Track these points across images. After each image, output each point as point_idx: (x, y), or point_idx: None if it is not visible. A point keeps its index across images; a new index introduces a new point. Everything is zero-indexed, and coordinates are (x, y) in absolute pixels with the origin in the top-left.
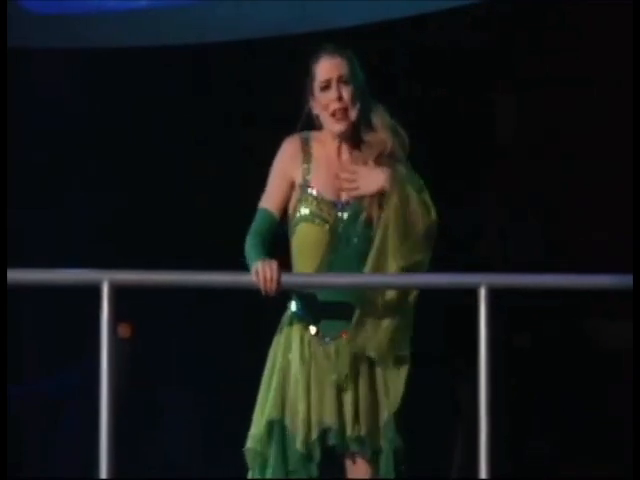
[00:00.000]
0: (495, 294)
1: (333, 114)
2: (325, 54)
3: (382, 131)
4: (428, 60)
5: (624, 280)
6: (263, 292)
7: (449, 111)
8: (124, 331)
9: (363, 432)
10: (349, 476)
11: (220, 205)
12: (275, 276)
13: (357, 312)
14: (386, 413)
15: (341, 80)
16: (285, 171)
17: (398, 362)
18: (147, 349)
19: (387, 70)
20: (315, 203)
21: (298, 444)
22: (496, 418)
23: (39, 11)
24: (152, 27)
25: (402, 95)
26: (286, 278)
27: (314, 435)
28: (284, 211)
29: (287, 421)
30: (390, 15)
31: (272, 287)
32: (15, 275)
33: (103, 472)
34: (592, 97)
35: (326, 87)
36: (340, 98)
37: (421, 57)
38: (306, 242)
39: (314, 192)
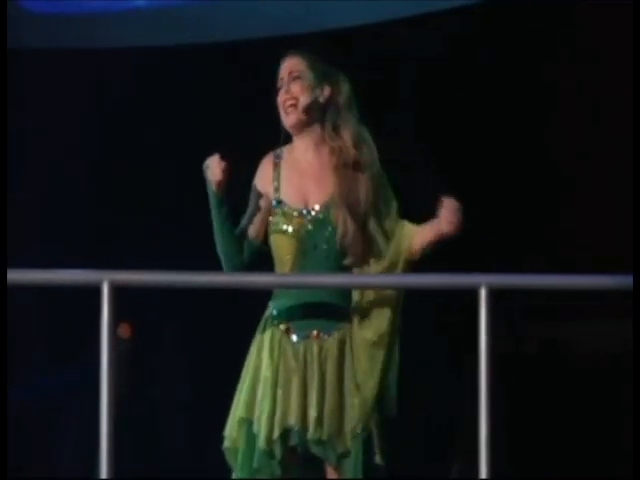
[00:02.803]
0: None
1: (284, 109)
2: (285, 57)
3: (347, 139)
4: (430, 60)
5: (624, 280)
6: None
7: (450, 110)
8: (124, 331)
9: (325, 436)
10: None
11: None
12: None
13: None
14: (356, 416)
15: (292, 76)
16: (259, 188)
17: (372, 359)
18: (147, 349)
19: (389, 70)
20: (282, 214)
21: (260, 442)
22: (496, 418)
23: (39, 10)
24: (152, 26)
25: (401, 94)
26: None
27: (276, 434)
28: (265, 231)
29: (254, 419)
30: (393, 15)
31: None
32: (15, 275)
33: (103, 472)
34: (591, 97)
35: (281, 86)
36: (289, 92)
37: (423, 57)
38: (278, 252)
39: (282, 204)
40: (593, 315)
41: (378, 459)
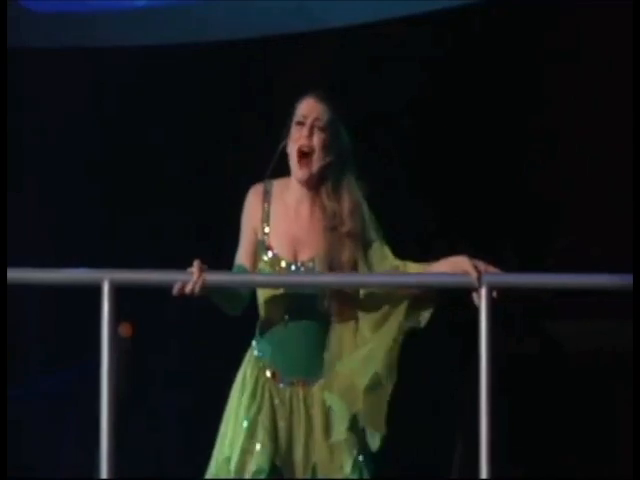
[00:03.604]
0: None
1: (299, 155)
2: (312, 95)
3: (345, 207)
4: (428, 59)
5: (624, 280)
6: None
7: (448, 109)
8: (125, 330)
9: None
10: None
11: (220, 204)
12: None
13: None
14: (346, 456)
15: (317, 123)
16: (251, 227)
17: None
18: (148, 348)
19: (385, 69)
20: (271, 264)
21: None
22: (496, 418)
23: (40, 10)
24: (153, 25)
25: (403, 93)
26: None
27: (263, 470)
28: (256, 263)
29: (238, 459)
30: (390, 14)
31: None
32: (15, 275)
33: (103, 472)
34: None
35: (301, 123)
36: (310, 139)
37: (421, 56)
38: (263, 300)
39: (270, 253)
40: (593, 313)
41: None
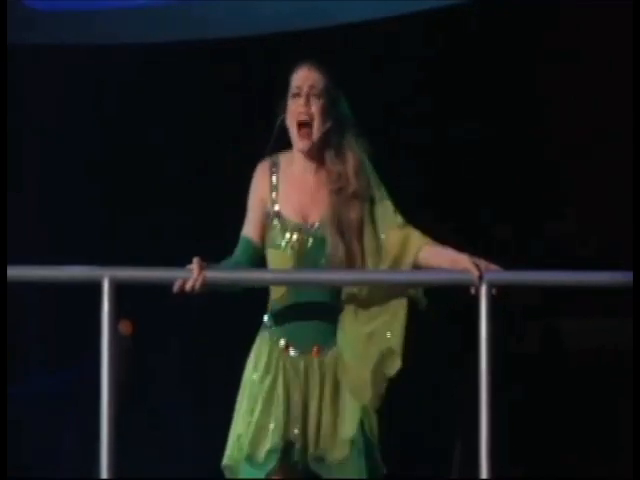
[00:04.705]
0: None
1: (299, 127)
2: (304, 65)
3: (349, 167)
4: (426, 58)
5: (624, 277)
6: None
7: (447, 108)
8: (125, 328)
9: (321, 448)
10: None
11: (220, 204)
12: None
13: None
14: (353, 423)
15: (312, 91)
16: (260, 199)
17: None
18: (148, 346)
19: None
20: (281, 229)
21: (260, 459)
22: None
23: (40, 7)
24: (154, 23)
25: (402, 92)
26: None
27: (277, 450)
28: (264, 237)
29: (252, 435)
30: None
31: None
32: (16, 272)
33: (104, 471)
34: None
35: (297, 94)
36: (307, 107)
37: (419, 56)
38: (276, 266)
39: (281, 218)
40: (594, 312)
41: (379, 463)
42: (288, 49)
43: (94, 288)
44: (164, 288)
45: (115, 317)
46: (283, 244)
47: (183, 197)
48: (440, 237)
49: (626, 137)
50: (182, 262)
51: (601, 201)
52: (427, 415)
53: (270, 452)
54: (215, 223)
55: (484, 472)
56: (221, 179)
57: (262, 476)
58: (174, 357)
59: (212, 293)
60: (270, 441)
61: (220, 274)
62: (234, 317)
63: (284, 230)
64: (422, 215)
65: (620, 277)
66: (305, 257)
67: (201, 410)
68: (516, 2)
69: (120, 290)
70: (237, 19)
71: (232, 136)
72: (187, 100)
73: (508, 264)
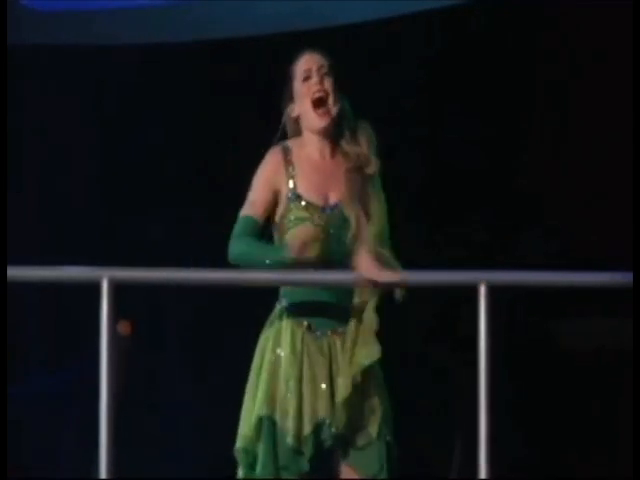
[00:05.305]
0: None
1: (316, 105)
2: (305, 52)
3: (364, 147)
4: (425, 58)
5: (624, 277)
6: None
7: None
8: (124, 329)
9: (348, 430)
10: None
11: (220, 204)
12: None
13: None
14: (379, 412)
15: (322, 70)
16: (270, 182)
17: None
18: (147, 346)
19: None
20: (305, 209)
21: (289, 439)
22: (496, 417)
23: (40, 8)
24: (153, 24)
25: (402, 91)
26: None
27: (307, 430)
28: (267, 221)
29: (277, 417)
30: (394, 12)
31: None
32: (15, 272)
33: (103, 471)
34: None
35: (307, 77)
36: (321, 85)
37: (419, 55)
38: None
39: (303, 200)
40: (594, 312)
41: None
42: (288, 49)
43: (93, 288)
44: (163, 288)
45: (114, 317)
46: (309, 222)
47: (183, 197)
48: (439, 237)
49: (626, 137)
50: (181, 262)
51: (601, 201)
52: (427, 414)
53: (309, 437)
54: (215, 223)
55: (484, 472)
56: (221, 179)
57: (291, 458)
58: (173, 357)
59: (212, 293)
60: (299, 421)
61: (223, 274)
62: (234, 317)
63: (307, 210)
64: (421, 214)
65: (620, 277)
66: (330, 237)
67: (201, 410)
68: (516, 2)
69: (119, 290)
70: (237, 19)
71: (232, 136)
72: (187, 100)
73: (508, 264)
